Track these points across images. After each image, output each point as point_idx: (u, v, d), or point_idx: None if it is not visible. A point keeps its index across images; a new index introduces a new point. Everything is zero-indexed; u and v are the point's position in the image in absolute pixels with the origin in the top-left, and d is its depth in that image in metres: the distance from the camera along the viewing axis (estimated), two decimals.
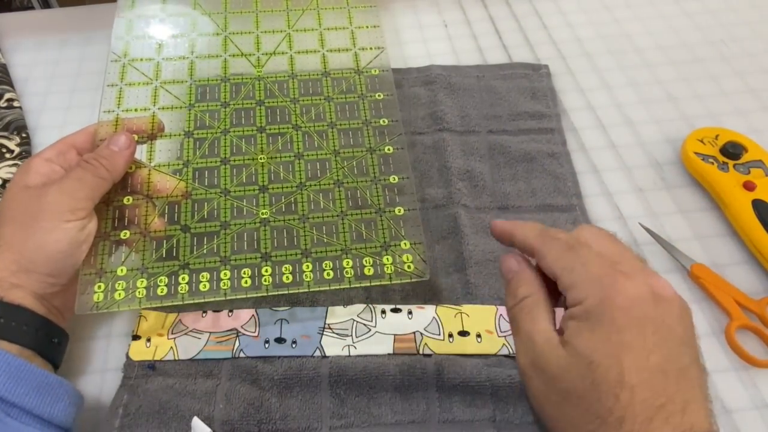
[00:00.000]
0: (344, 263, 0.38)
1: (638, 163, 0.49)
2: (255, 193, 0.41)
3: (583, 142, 0.51)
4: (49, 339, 0.34)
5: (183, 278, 0.37)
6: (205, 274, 0.37)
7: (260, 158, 0.42)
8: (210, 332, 0.39)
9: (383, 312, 0.40)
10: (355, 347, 0.39)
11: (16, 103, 0.53)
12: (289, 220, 0.40)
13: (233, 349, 0.38)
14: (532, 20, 0.60)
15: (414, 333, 0.39)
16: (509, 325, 0.32)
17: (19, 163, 0.49)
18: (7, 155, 0.49)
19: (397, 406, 0.36)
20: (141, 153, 0.42)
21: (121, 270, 0.37)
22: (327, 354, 0.38)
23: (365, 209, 0.41)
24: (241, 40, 0.48)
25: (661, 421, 0.25)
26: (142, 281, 0.37)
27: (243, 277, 0.38)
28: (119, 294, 0.36)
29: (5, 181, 0.47)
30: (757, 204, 0.43)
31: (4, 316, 0.32)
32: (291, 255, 0.39)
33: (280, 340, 0.39)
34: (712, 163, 0.46)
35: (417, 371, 0.37)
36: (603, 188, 0.48)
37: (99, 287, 0.36)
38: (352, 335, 0.39)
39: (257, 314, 0.40)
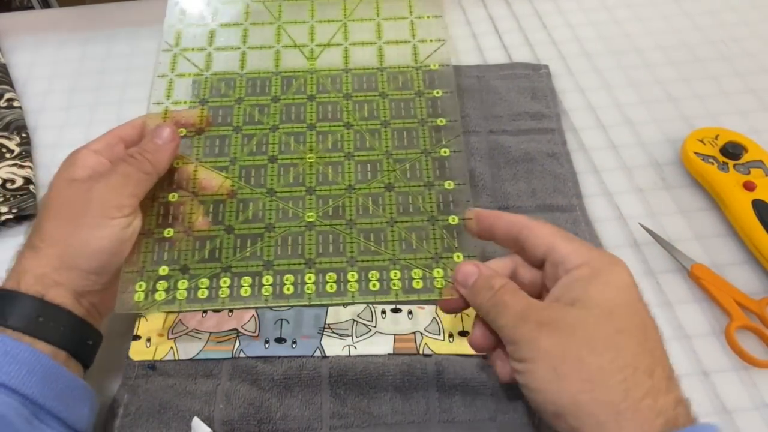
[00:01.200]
0: (392, 274, 0.36)
1: (638, 163, 0.49)
2: (302, 195, 0.39)
3: (583, 142, 0.51)
4: (84, 341, 0.34)
5: (224, 281, 0.36)
6: (247, 279, 0.36)
7: (309, 157, 0.40)
8: (210, 332, 0.39)
9: (383, 312, 0.40)
10: (355, 347, 0.39)
11: (16, 103, 0.53)
12: (335, 225, 0.38)
13: (233, 349, 0.38)
14: (532, 20, 0.60)
15: (414, 333, 0.39)
16: (486, 320, 0.32)
17: (19, 163, 0.49)
18: (7, 155, 0.49)
19: (397, 406, 0.36)
20: (188, 148, 0.40)
21: (163, 269, 0.36)
22: (327, 354, 0.38)
23: (417, 216, 0.38)
24: (295, 30, 0.46)
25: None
26: (184, 282, 0.36)
27: (285, 284, 0.36)
28: (160, 295, 0.35)
29: (5, 180, 0.47)
30: (757, 204, 0.43)
31: (43, 315, 0.32)
32: (336, 263, 0.36)
33: (280, 340, 0.39)
34: (712, 163, 0.46)
35: (417, 371, 0.37)
36: (603, 188, 0.48)
37: (140, 286, 0.35)
38: (352, 335, 0.39)
39: (257, 314, 0.40)
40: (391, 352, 0.38)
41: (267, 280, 0.36)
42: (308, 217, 0.38)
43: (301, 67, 0.44)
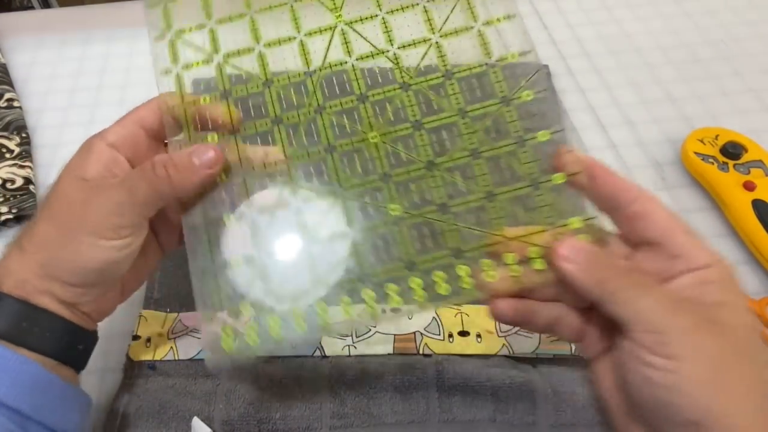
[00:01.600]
0: (508, 259, 0.30)
1: (638, 163, 0.49)
2: (377, 185, 0.32)
3: (583, 142, 0.51)
4: (74, 346, 0.31)
5: (321, 308, 0.30)
6: (345, 299, 0.30)
7: (371, 137, 0.33)
8: None
9: (383, 311, 0.40)
10: (355, 347, 0.39)
11: (16, 103, 0.53)
12: (427, 213, 0.31)
13: None
14: (532, 20, 0.60)
15: (414, 333, 0.39)
16: (604, 299, 0.27)
17: (19, 163, 0.49)
18: (7, 155, 0.49)
19: (397, 406, 0.36)
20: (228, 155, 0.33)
21: (245, 306, 0.30)
22: (327, 354, 0.38)
23: (517, 183, 0.31)
24: None
25: None
26: (275, 319, 0.30)
27: (389, 295, 0.30)
28: (252, 339, 0.29)
29: (5, 180, 0.47)
30: (757, 204, 0.43)
31: (27, 320, 0.29)
32: (440, 258, 0.31)
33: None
34: (712, 163, 0.46)
35: (417, 371, 0.37)
36: None
37: (226, 332, 0.30)
38: (352, 335, 0.39)
39: None
40: (391, 352, 0.38)
41: (368, 295, 0.30)
42: (393, 210, 0.31)
43: (326, 25, 0.35)
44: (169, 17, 0.36)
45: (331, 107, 0.33)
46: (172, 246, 0.36)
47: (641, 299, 0.27)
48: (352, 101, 0.34)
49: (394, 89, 0.34)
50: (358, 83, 0.34)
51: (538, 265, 0.29)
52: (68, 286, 0.31)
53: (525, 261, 0.29)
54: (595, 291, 0.28)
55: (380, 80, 0.34)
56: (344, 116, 0.33)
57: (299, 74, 0.34)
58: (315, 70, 0.34)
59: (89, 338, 0.33)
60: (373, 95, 0.34)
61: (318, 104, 0.34)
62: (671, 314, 0.26)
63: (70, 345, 0.31)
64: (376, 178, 0.32)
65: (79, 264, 0.30)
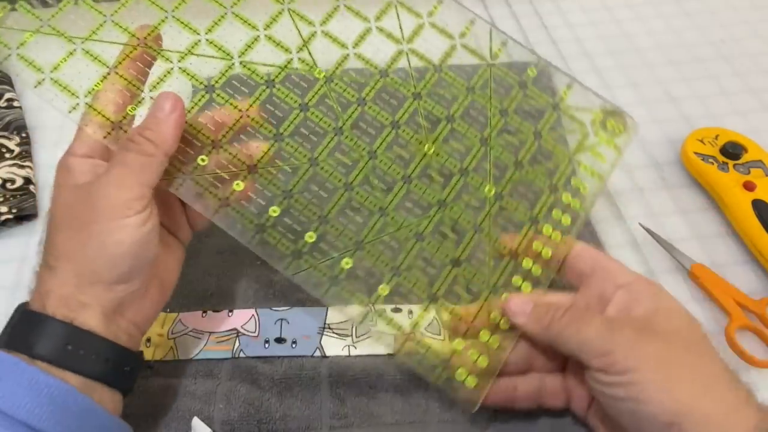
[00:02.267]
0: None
1: (638, 163, 0.49)
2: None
3: None
4: (120, 368, 0.31)
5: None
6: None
7: (427, 149, 0.36)
8: (210, 332, 0.39)
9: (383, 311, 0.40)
10: (354, 347, 0.39)
11: (16, 103, 0.53)
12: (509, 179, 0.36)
13: (233, 349, 0.38)
14: (532, 20, 0.60)
15: (414, 333, 0.39)
16: (554, 341, 0.32)
17: (19, 163, 0.49)
18: (7, 155, 0.49)
19: (397, 406, 0.36)
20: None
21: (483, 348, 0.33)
22: (327, 354, 0.38)
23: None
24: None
25: None
26: (484, 358, 0.33)
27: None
28: (471, 381, 0.33)
29: (5, 180, 0.47)
30: (757, 204, 0.43)
31: (72, 343, 0.29)
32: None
33: (280, 340, 0.39)
34: (712, 163, 0.46)
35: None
36: None
37: (460, 374, 0.33)
38: (352, 335, 0.39)
39: (257, 314, 0.40)
40: (391, 352, 0.38)
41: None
42: (487, 190, 0.36)
43: (319, 85, 0.36)
44: (32, 62, 0.34)
45: (380, 147, 0.35)
46: (187, 236, 0.37)
47: (581, 331, 0.30)
48: (389, 133, 0.36)
49: (411, 103, 0.36)
50: (382, 115, 0.36)
51: (503, 325, 0.34)
52: (110, 285, 0.30)
53: (494, 329, 0.34)
54: (545, 335, 0.32)
55: (396, 103, 0.37)
56: (394, 147, 0.36)
57: (328, 128, 0.35)
58: (341, 126, 0.35)
59: (135, 359, 0.32)
60: (400, 117, 0.36)
61: (368, 151, 0.35)
62: (610, 334, 0.29)
63: (116, 367, 0.31)
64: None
65: (109, 252, 0.30)
